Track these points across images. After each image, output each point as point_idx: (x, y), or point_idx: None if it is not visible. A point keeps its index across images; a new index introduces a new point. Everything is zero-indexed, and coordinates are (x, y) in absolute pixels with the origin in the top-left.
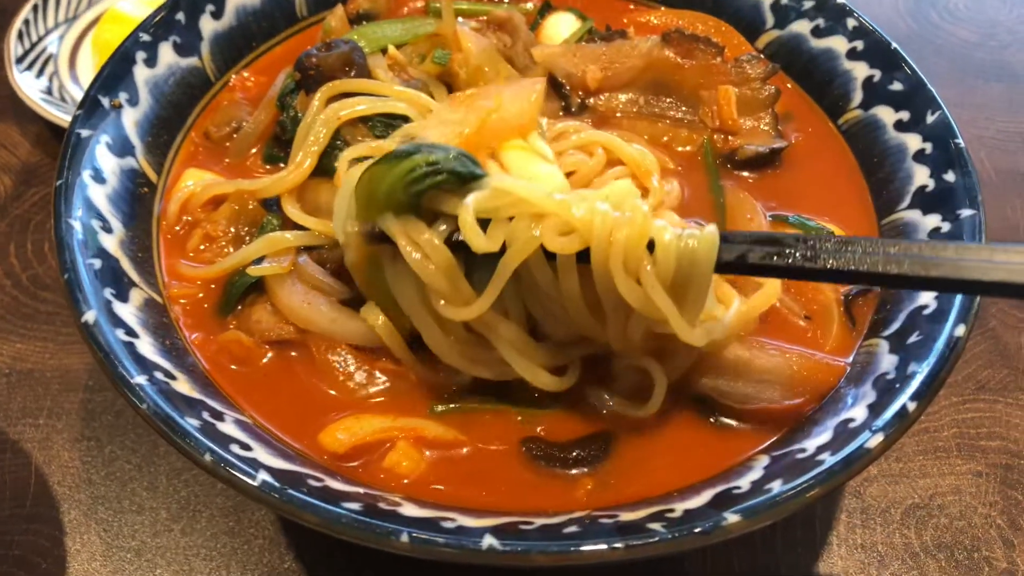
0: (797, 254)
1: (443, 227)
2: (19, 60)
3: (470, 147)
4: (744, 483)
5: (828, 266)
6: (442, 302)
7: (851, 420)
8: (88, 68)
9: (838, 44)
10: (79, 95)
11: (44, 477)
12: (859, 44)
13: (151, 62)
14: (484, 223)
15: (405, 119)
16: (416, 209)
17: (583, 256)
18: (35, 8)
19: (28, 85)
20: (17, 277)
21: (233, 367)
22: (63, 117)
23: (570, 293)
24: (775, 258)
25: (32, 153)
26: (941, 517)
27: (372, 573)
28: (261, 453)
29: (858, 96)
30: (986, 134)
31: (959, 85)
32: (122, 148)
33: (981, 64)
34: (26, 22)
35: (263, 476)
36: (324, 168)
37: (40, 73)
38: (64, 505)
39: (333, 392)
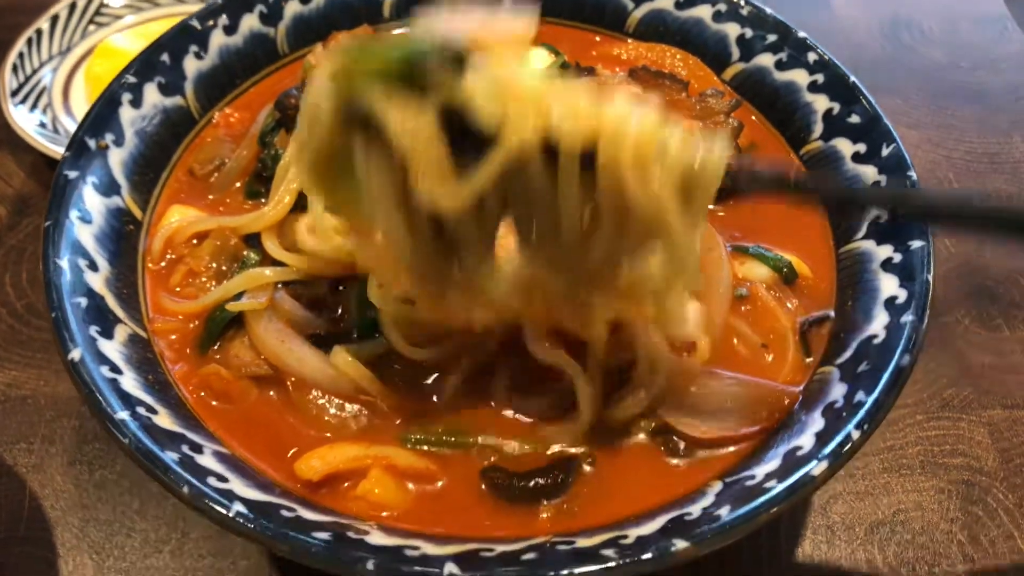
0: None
1: (435, 99)
2: (14, 93)
3: None
4: (696, 509)
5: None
6: (422, 180)
7: (799, 448)
8: (81, 101)
9: (800, 77)
10: (72, 127)
11: (38, 500)
12: (819, 77)
13: (136, 103)
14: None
15: None
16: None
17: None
18: (29, 41)
19: (23, 120)
20: (12, 305)
21: (213, 402)
22: (58, 150)
23: (568, 200)
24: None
25: (27, 183)
26: (904, 533)
27: None
28: (237, 484)
29: (819, 128)
30: (955, 155)
31: (930, 106)
32: (108, 188)
33: (952, 85)
34: (20, 55)
35: (237, 507)
36: (303, 204)
37: (34, 107)
38: (57, 528)
39: (309, 425)
